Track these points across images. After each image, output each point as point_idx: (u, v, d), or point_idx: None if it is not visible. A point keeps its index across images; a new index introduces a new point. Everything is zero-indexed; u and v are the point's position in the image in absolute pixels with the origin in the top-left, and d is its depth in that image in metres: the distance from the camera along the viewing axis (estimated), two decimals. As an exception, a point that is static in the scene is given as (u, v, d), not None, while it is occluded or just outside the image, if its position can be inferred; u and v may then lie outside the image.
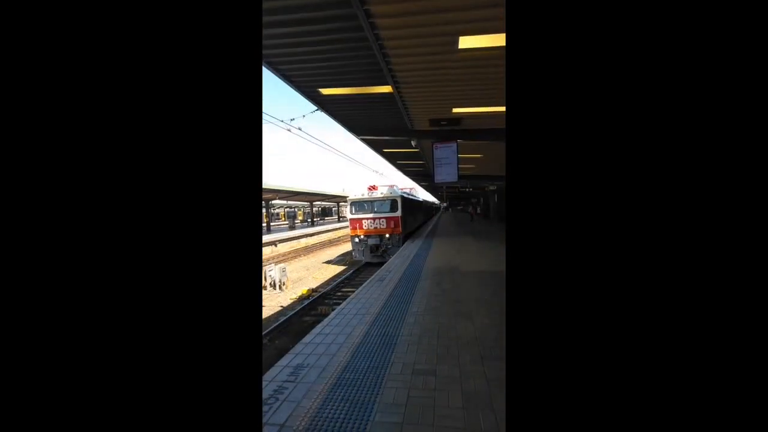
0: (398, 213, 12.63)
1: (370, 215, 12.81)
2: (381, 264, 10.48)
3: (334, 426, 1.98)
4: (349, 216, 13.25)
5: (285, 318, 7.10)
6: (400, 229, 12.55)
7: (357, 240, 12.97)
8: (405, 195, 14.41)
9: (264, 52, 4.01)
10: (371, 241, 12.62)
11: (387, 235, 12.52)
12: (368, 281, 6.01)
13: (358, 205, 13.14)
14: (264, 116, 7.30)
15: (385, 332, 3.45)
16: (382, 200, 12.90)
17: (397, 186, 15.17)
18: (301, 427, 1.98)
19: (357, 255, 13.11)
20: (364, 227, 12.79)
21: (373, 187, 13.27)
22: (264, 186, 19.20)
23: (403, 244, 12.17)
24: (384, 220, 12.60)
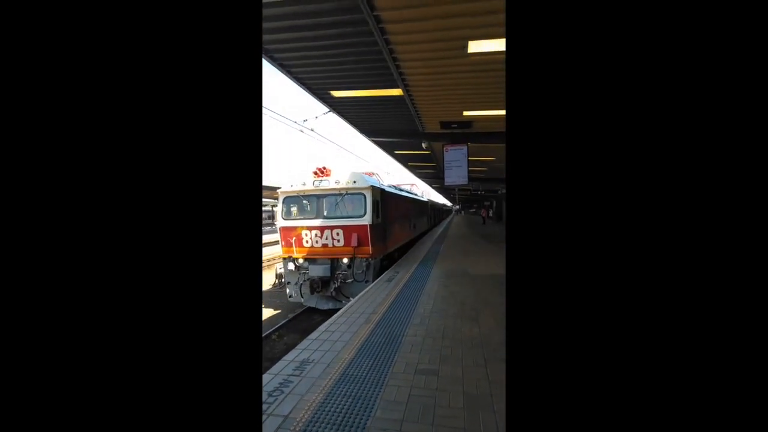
0: (367, 219, 6.76)
1: (316, 222, 6.95)
2: (333, 312, 6.12)
3: (336, 419, 2.04)
4: (279, 221, 7.32)
5: (293, 315, 7.23)
6: (370, 248, 6.79)
7: (292, 266, 7.18)
8: (387, 188, 8.68)
9: (276, 55, 4.13)
10: (315, 271, 6.89)
11: (345, 260, 6.83)
12: (376, 282, 6.06)
13: (296, 202, 7.24)
14: (277, 117, 7.38)
15: (390, 332, 3.50)
16: (336, 194, 6.98)
17: (378, 175, 9.50)
18: (304, 419, 2.05)
19: (292, 293, 7.27)
20: (304, 243, 7.02)
21: (322, 171, 7.18)
22: (273, 186, 19.28)
23: (377, 276, 6.89)
24: (340, 231, 6.80)
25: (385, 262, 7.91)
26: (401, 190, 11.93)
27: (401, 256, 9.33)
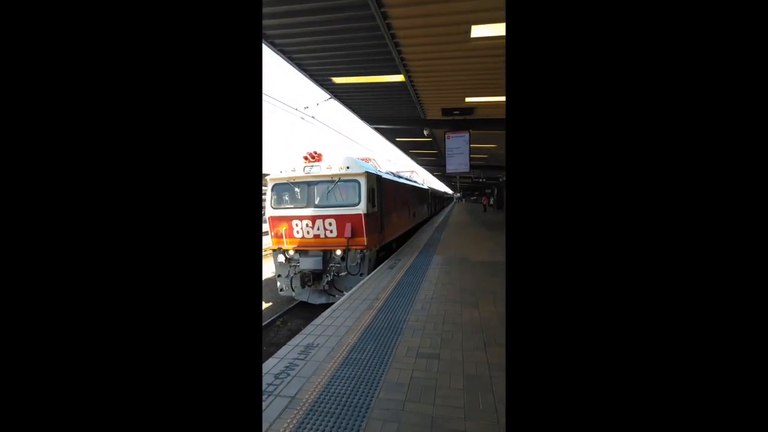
0: (361, 207, 6.38)
1: (307, 212, 6.58)
2: (326, 306, 5.97)
3: (341, 400, 2.12)
4: (268, 211, 6.90)
5: (297, 301, 7.35)
6: (365, 239, 6.43)
7: (282, 258, 6.84)
8: (384, 175, 8.28)
9: (277, 41, 4.07)
10: (306, 264, 6.57)
11: (338, 252, 6.49)
12: (378, 269, 6.14)
13: (286, 190, 6.84)
14: (277, 104, 7.29)
15: (392, 317, 3.57)
16: (328, 181, 6.57)
17: (375, 161, 9.19)
18: (310, 400, 2.13)
19: (283, 286, 6.94)
20: (294, 234, 6.68)
21: (313, 156, 6.74)
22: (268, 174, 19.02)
23: (373, 268, 6.60)
24: (333, 221, 6.45)
25: (381, 254, 7.55)
26: (400, 177, 11.38)
27: (399, 247, 8.96)
